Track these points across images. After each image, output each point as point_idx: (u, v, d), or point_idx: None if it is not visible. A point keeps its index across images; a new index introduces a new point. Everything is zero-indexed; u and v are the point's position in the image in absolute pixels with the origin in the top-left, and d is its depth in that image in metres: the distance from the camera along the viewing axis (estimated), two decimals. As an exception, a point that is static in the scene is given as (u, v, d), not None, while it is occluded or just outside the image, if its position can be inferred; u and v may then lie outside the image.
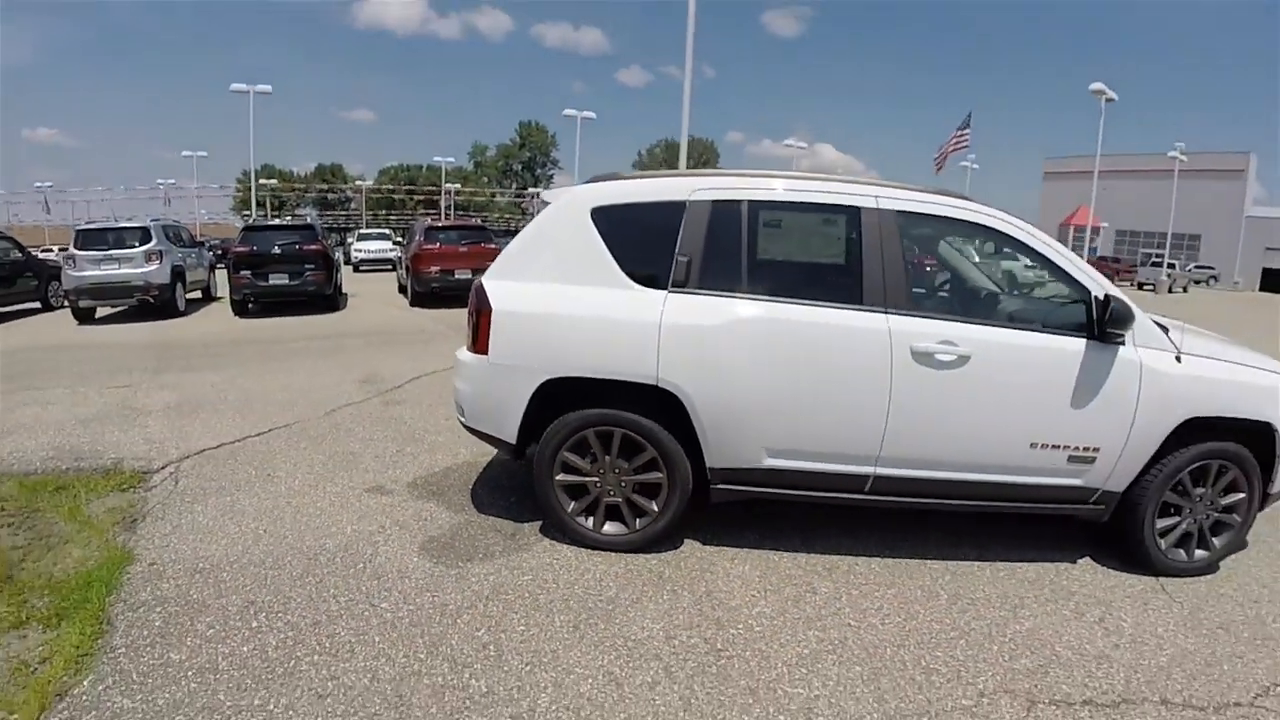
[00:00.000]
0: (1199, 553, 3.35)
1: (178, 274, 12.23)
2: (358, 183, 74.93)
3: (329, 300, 12.67)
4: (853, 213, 3.08)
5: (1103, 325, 2.97)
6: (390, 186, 76.85)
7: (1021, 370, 3.04)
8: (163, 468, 4.38)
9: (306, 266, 12.12)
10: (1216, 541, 3.33)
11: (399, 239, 27.97)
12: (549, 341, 3.04)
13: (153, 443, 4.88)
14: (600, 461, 3.10)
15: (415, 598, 2.82)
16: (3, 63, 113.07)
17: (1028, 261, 3.26)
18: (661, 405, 2.97)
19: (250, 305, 12.43)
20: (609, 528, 3.18)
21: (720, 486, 3.06)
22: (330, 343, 9.26)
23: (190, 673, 2.35)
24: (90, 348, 9.23)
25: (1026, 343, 3.06)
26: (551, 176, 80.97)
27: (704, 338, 2.90)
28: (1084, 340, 3.05)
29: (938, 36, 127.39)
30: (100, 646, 2.48)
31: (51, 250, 24.39)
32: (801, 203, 3.18)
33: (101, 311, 12.13)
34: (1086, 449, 3.08)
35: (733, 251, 3.02)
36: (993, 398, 3.03)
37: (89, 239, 11.42)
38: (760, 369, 2.91)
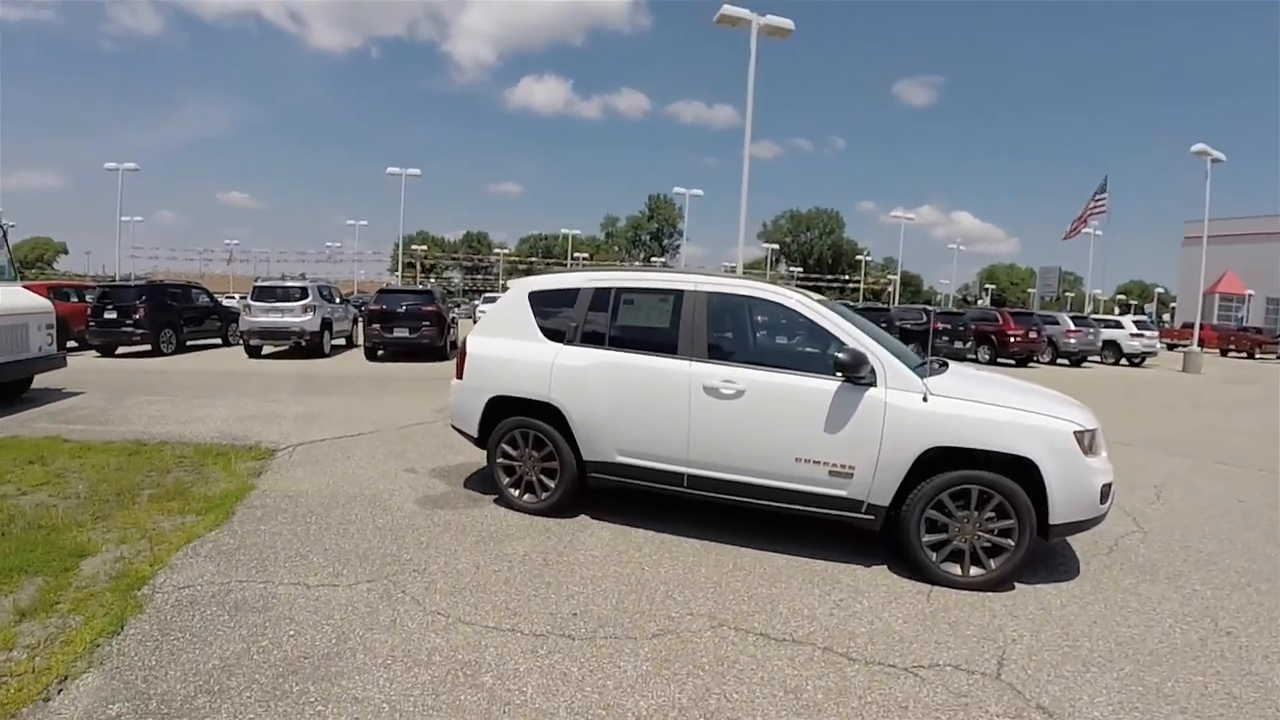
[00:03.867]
0: (974, 570, 3.82)
1: (326, 324, 15.45)
2: (497, 250, 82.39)
3: (439, 351, 15.26)
4: (678, 294, 4.43)
5: (842, 371, 3.89)
6: (529, 254, 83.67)
7: (785, 402, 4.02)
8: (284, 449, 6.57)
9: (424, 324, 14.85)
10: (993, 563, 3.79)
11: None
12: (495, 373, 4.81)
13: (282, 435, 7.15)
14: (523, 452, 4.79)
15: (398, 520, 4.62)
16: (201, 134, 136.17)
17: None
18: (555, 416, 4.61)
19: (378, 352, 15.33)
20: (527, 497, 4.81)
21: (592, 475, 4.58)
22: (428, 383, 11.59)
23: (273, 535, 4.28)
24: (254, 375, 12.23)
25: (790, 382, 4.06)
26: (678, 246, 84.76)
27: (576, 374, 4.49)
28: (839, 382, 3.95)
29: (1070, 96, 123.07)
30: (225, 523, 4.47)
31: (234, 298, 29.56)
32: (648, 288, 4.74)
33: (266, 350, 15.53)
34: (843, 466, 3.91)
35: (601, 320, 4.60)
36: (763, 421, 4.06)
37: (261, 293, 14.90)
38: (610, 395, 4.39)
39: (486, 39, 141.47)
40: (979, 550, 3.83)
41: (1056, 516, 3.73)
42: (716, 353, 4.31)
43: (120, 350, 14.85)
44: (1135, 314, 48.06)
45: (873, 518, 3.95)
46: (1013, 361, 21.46)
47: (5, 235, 8.63)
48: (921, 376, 3.95)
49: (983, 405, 3.82)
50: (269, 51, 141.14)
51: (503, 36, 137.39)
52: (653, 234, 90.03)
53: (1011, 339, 21.04)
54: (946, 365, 4.64)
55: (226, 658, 2.88)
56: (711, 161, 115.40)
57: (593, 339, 4.59)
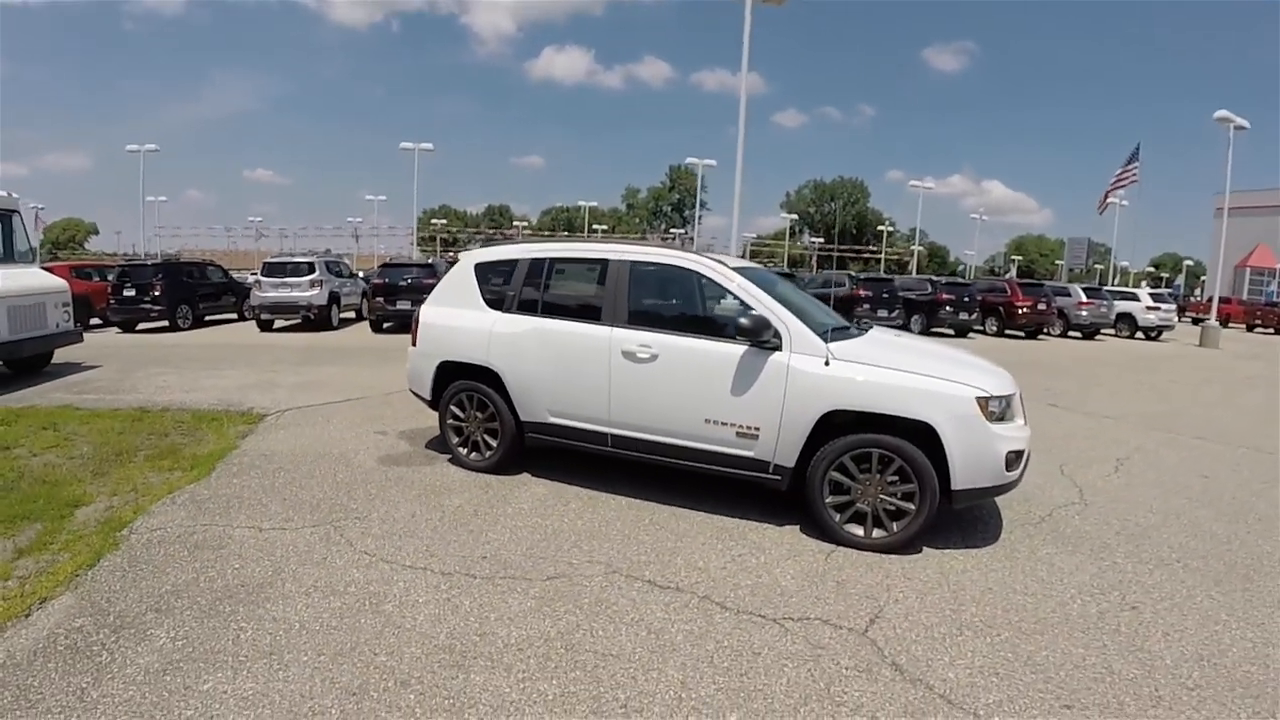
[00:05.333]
0: (877, 532, 3.91)
1: (333, 298, 16.03)
2: (517, 223, 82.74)
3: (441, 324, 15.75)
4: (604, 264, 4.68)
5: (744, 336, 4.03)
6: (550, 226, 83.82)
7: (695, 366, 4.22)
8: (273, 413, 7.08)
9: (425, 296, 15.27)
10: (895, 526, 3.87)
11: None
12: (443, 339, 5.21)
13: (274, 401, 7.67)
14: (469, 413, 5.20)
15: (356, 476, 5.08)
16: (226, 112, 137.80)
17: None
18: (494, 380, 4.98)
19: (384, 324, 15.87)
20: (473, 456, 5.23)
21: (529, 435, 4.96)
22: (422, 354, 12.06)
23: (243, 487, 4.78)
24: (262, 347, 12.85)
25: (700, 346, 4.25)
26: (701, 218, 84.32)
27: (511, 340, 4.85)
28: (745, 346, 4.09)
29: (1106, 60, 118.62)
30: (205, 478, 4.98)
31: (254, 274, 30.35)
32: (578, 258, 5.06)
33: (278, 323, 16.18)
34: (749, 427, 4.08)
35: (535, 289, 4.93)
36: (675, 384, 4.29)
37: (271, 269, 15.53)
38: (541, 359, 4.72)
39: (506, 10, 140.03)
40: (882, 513, 3.90)
41: (959, 482, 3.75)
42: (637, 319, 4.53)
43: (140, 326, 15.64)
44: (1165, 286, 46.74)
45: (779, 478, 4.10)
46: (1021, 334, 21.34)
47: (24, 221, 9.20)
48: (828, 341, 4.01)
49: (883, 369, 3.88)
50: (291, 28, 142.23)
51: (522, 7, 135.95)
52: (674, 205, 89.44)
53: (1019, 310, 20.89)
54: (867, 330, 4.79)
55: (177, 585, 3.36)
56: (735, 131, 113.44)
57: (528, 307, 4.93)
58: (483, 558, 3.72)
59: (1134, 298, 24.45)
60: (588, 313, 4.73)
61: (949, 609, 3.32)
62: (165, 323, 15.33)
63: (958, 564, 3.83)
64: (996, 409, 3.83)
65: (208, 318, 17.18)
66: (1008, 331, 21.34)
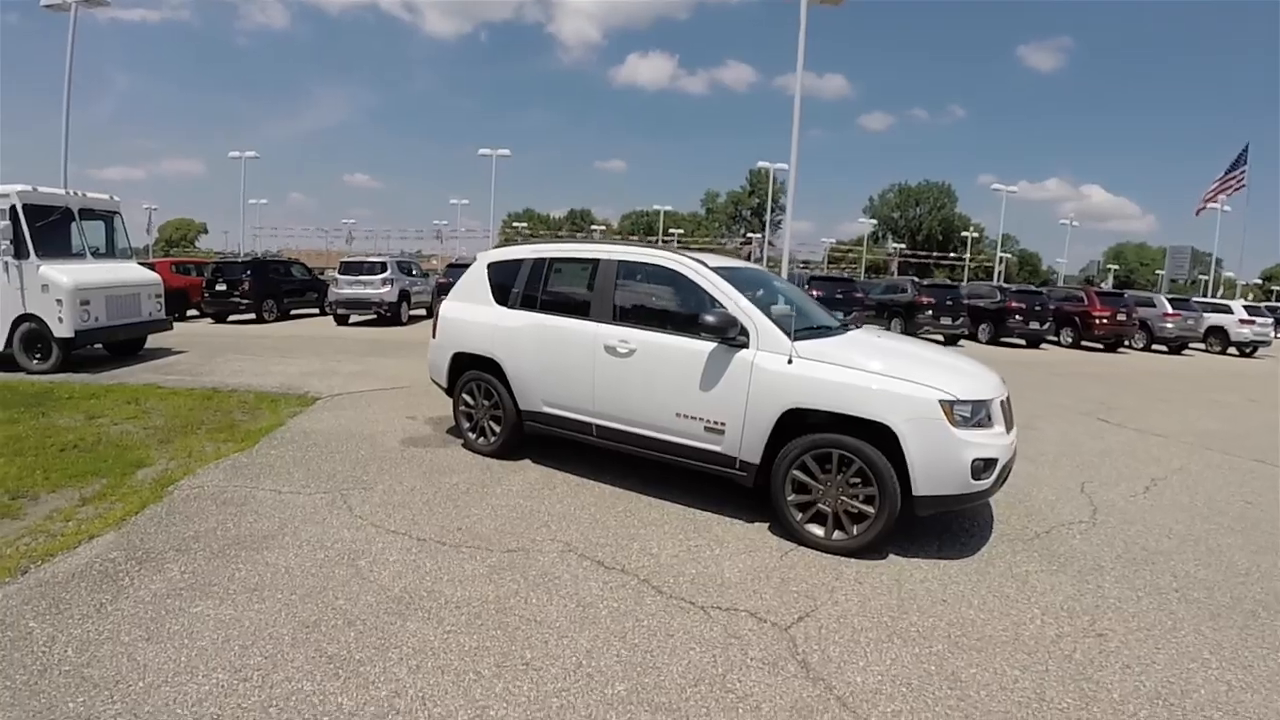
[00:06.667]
0: (837, 534, 3.89)
1: (404, 295, 17.13)
2: (595, 226, 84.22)
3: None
4: (594, 263, 4.96)
5: (709, 333, 4.15)
6: (630, 230, 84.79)
7: (669, 361, 4.39)
8: (325, 397, 7.82)
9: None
10: (855, 529, 3.85)
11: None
12: (458, 332, 5.68)
13: (329, 387, 8.45)
14: (477, 401, 5.66)
15: (377, 453, 5.64)
16: (328, 122, 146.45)
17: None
18: (497, 370, 5.40)
19: (447, 321, 16.77)
20: (481, 441, 5.68)
21: (527, 423, 5.35)
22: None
23: (278, 458, 5.42)
24: (334, 339, 13.94)
25: (673, 342, 4.40)
26: (779, 221, 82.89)
27: (512, 333, 5.25)
28: (714, 344, 4.21)
29: (1213, 55, 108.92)
30: (254, 449, 5.65)
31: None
32: (574, 258, 5.35)
33: (353, 319, 17.39)
34: (716, 422, 4.20)
35: (536, 287, 5.28)
36: (650, 378, 4.47)
37: (348, 268, 16.76)
38: (536, 351, 5.05)
39: (591, 18, 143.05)
40: (843, 515, 3.88)
41: (919, 488, 3.67)
42: (621, 315, 4.77)
43: (231, 318, 17.22)
44: (1278, 300, 42.63)
45: (745, 474, 4.18)
46: (1099, 346, 20.19)
47: (124, 222, 10.44)
48: (795, 340, 4.04)
49: (844, 369, 3.86)
50: (387, 40, 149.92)
51: (607, 15, 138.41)
52: (753, 209, 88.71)
53: (1097, 321, 19.74)
54: (848, 329, 4.84)
55: (200, 531, 3.94)
56: (818, 134, 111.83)
57: (528, 303, 5.32)
58: (458, 529, 4.13)
59: (1226, 310, 22.57)
60: (579, 309, 5.01)
61: (888, 616, 3.24)
62: (253, 315, 16.80)
63: (920, 573, 3.72)
64: (965, 413, 3.72)
65: (292, 312, 18.70)
66: (1084, 343, 20.22)
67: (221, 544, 3.78)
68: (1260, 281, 75.02)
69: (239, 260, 19.88)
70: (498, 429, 5.54)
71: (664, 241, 67.60)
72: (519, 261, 5.50)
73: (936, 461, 3.66)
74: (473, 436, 5.72)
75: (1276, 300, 46.79)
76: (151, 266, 12.96)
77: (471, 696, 2.53)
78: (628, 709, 2.50)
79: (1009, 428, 4.04)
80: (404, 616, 3.08)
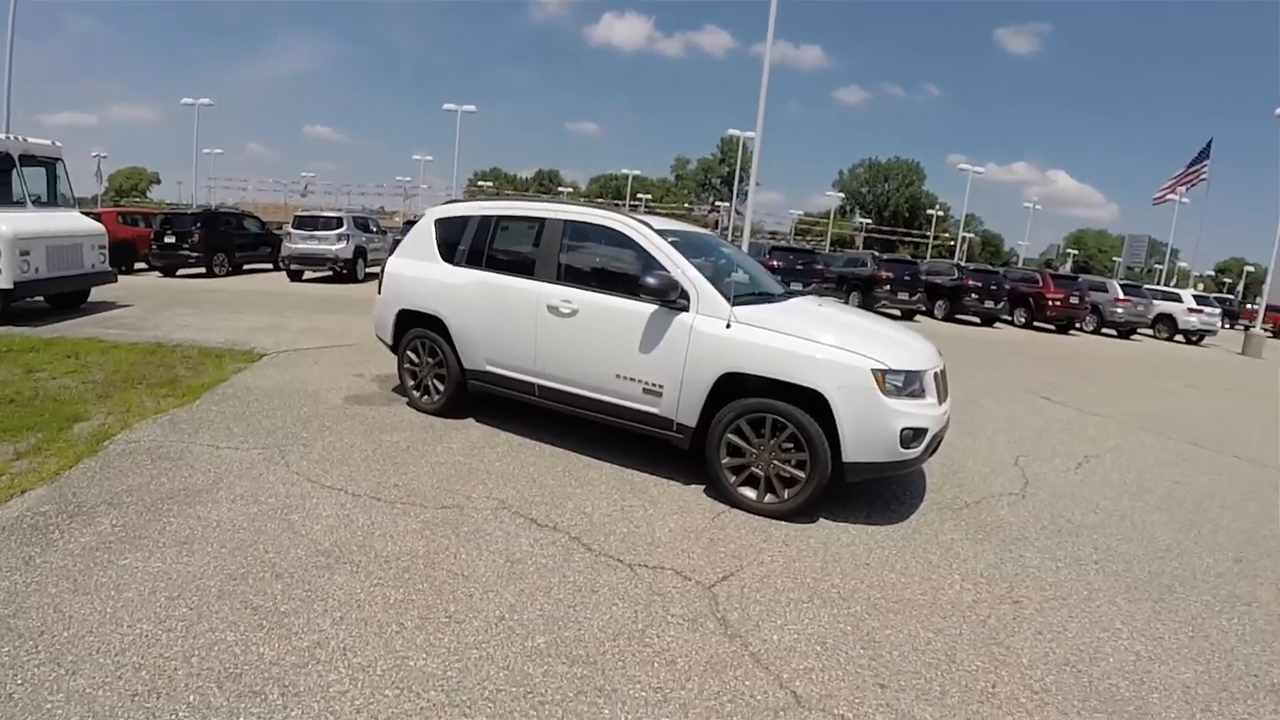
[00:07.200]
0: (769, 497, 3.98)
1: (359, 252, 16.79)
2: (563, 188, 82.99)
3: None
4: (540, 222, 4.96)
5: (649, 295, 4.20)
6: (599, 194, 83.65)
7: (610, 322, 4.40)
8: (271, 354, 7.70)
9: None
10: (787, 493, 3.94)
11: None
12: (403, 289, 5.65)
13: (276, 343, 8.31)
14: (421, 359, 5.64)
15: (319, 410, 5.61)
16: (289, 70, 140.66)
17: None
18: (441, 328, 5.38)
19: (406, 280, 16.51)
20: (425, 399, 5.69)
21: (471, 381, 5.35)
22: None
23: (219, 413, 5.36)
24: (286, 295, 13.64)
25: (615, 304, 4.41)
26: (745, 191, 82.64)
27: (456, 291, 5.23)
28: (655, 306, 4.24)
29: (1185, 50, 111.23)
30: (194, 404, 5.57)
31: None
32: (520, 216, 5.31)
33: (307, 275, 16.99)
34: (655, 385, 4.25)
35: (482, 244, 5.23)
36: (591, 339, 4.49)
37: (302, 222, 16.34)
38: (480, 309, 5.03)
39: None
40: (775, 479, 3.96)
41: (849, 454, 3.77)
42: (566, 275, 4.76)
43: (180, 272, 16.64)
44: (1228, 292, 44.30)
45: (682, 436, 4.27)
46: (1051, 327, 20.83)
47: (65, 169, 9.99)
48: (734, 305, 4.07)
49: (779, 335, 3.92)
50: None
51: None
52: (723, 178, 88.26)
53: (1049, 302, 20.38)
54: (790, 298, 4.87)
55: (133, 485, 3.91)
56: (793, 106, 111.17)
57: (474, 260, 5.28)
58: (395, 485, 4.17)
59: (1176, 298, 23.46)
60: (523, 268, 4.99)
61: (810, 578, 3.33)
62: (203, 269, 16.29)
63: (847, 537, 3.83)
64: (897, 383, 3.80)
65: (245, 267, 18.16)
66: (1036, 324, 20.86)
67: (154, 498, 3.77)
68: (1213, 273, 77.81)
69: (189, 212, 19.17)
70: (441, 387, 5.54)
71: (631, 206, 67.02)
72: (466, 218, 5.44)
73: (866, 429, 3.75)
74: (417, 394, 5.72)
75: (1228, 292, 48.63)
76: (97, 216, 12.38)
77: (393, 647, 2.61)
78: (545, 661, 2.60)
79: (942, 399, 4.14)
80: (332, 570, 3.13)
